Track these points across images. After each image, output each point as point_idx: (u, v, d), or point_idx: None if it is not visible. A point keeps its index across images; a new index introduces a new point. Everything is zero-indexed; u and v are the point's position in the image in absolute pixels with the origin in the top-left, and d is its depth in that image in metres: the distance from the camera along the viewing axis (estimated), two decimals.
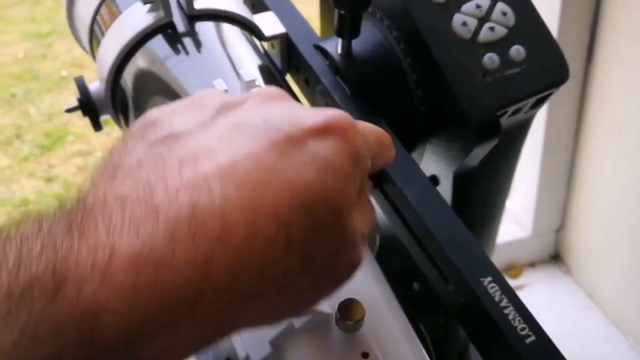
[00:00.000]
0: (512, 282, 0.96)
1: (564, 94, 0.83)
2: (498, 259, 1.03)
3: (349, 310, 0.29)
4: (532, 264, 0.98)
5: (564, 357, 0.31)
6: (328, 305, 0.29)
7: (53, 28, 2.83)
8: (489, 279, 0.33)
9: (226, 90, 0.32)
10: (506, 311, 0.32)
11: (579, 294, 0.93)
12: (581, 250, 0.94)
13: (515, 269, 0.97)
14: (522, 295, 0.97)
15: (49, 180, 2.16)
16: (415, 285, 0.47)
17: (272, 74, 0.40)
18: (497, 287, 0.32)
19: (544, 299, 0.92)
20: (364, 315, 0.29)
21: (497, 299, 0.32)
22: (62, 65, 2.61)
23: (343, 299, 0.29)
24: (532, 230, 0.95)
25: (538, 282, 0.95)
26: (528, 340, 0.31)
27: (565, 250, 0.97)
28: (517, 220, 0.99)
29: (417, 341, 0.32)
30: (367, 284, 0.32)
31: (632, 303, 0.85)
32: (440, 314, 0.46)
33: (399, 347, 0.31)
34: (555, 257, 0.99)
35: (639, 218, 0.81)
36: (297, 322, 0.29)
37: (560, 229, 0.97)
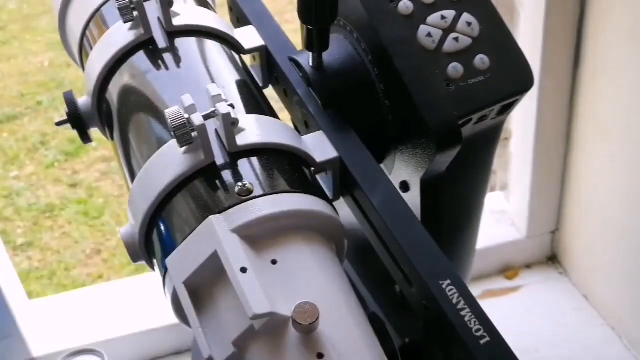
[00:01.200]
0: (508, 284, 0.97)
1: (553, 98, 0.84)
2: (494, 260, 1.04)
3: (303, 313, 0.30)
4: (528, 266, 0.98)
5: (517, 358, 0.32)
6: (286, 308, 0.31)
7: None
8: (448, 282, 0.34)
9: (192, 105, 0.34)
10: (462, 313, 0.33)
11: (574, 294, 0.93)
12: (577, 252, 0.94)
13: (511, 271, 0.97)
14: (518, 296, 0.98)
15: (73, 185, 2.21)
16: (397, 288, 0.48)
17: (248, 88, 0.42)
18: (455, 290, 0.34)
19: (540, 299, 0.92)
20: (317, 317, 0.30)
21: (454, 301, 0.33)
22: None
23: (300, 302, 0.31)
24: (527, 232, 0.96)
25: (534, 283, 0.95)
26: (482, 341, 0.32)
27: (561, 252, 0.97)
28: (512, 222, 1.00)
29: (376, 342, 0.34)
30: (325, 287, 0.33)
31: (627, 304, 0.85)
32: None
33: (356, 348, 0.32)
34: (552, 259, 0.99)
35: (631, 219, 0.80)
36: (257, 324, 0.31)
37: (555, 231, 0.97)
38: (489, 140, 0.43)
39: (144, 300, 0.96)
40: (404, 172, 0.42)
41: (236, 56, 0.45)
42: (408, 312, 0.46)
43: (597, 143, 0.83)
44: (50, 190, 2.21)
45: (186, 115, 0.33)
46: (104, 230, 2.05)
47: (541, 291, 0.94)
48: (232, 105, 0.34)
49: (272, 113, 0.42)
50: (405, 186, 0.42)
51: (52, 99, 2.55)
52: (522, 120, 0.90)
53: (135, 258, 0.37)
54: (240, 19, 0.50)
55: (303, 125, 0.43)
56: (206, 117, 0.34)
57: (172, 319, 0.91)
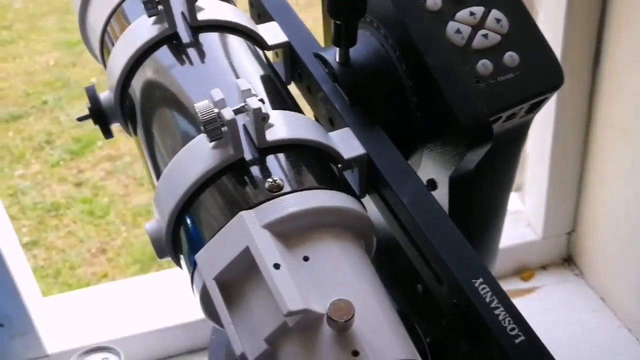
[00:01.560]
0: (523, 285, 0.96)
1: (571, 98, 0.83)
2: (509, 261, 1.03)
3: (339, 310, 0.30)
4: (543, 267, 0.98)
5: (553, 357, 0.32)
6: (320, 305, 0.30)
7: None
8: (480, 280, 0.33)
9: (222, 99, 0.33)
10: (496, 312, 0.33)
11: (591, 296, 0.92)
12: (593, 253, 0.94)
13: (527, 272, 0.97)
14: (533, 297, 0.97)
15: (78, 184, 2.21)
16: (419, 287, 0.47)
17: (273, 83, 0.42)
18: (488, 289, 0.33)
19: (555, 301, 0.92)
20: (353, 315, 0.30)
21: (487, 299, 0.33)
22: (92, 72, 2.67)
23: (334, 298, 0.30)
24: (543, 233, 0.95)
25: (550, 284, 0.95)
26: (517, 340, 0.32)
27: (577, 253, 0.97)
28: (528, 223, 0.99)
29: (409, 340, 0.33)
30: (357, 284, 0.33)
31: None
32: (442, 315, 0.47)
33: (390, 346, 0.31)
34: (567, 260, 0.99)
35: None
36: (291, 320, 0.30)
37: (572, 232, 0.97)
38: (517, 138, 0.43)
39: (158, 299, 0.95)
40: (431, 170, 0.41)
41: (260, 52, 0.45)
42: (427, 311, 0.46)
43: (616, 144, 0.83)
44: (56, 189, 2.21)
45: (216, 110, 0.33)
46: (109, 230, 2.05)
47: (557, 293, 0.93)
48: (262, 100, 0.34)
49: (297, 108, 0.42)
50: (432, 184, 0.42)
51: (58, 98, 2.55)
52: (539, 120, 0.88)
53: (161, 254, 0.37)
54: (261, 15, 0.49)
55: (327, 123, 0.43)
56: (236, 112, 0.33)
57: (186, 317, 0.91)
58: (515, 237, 0.97)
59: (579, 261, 0.97)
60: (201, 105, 0.33)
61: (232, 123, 0.33)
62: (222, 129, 0.33)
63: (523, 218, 1.00)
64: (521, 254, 0.97)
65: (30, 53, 2.86)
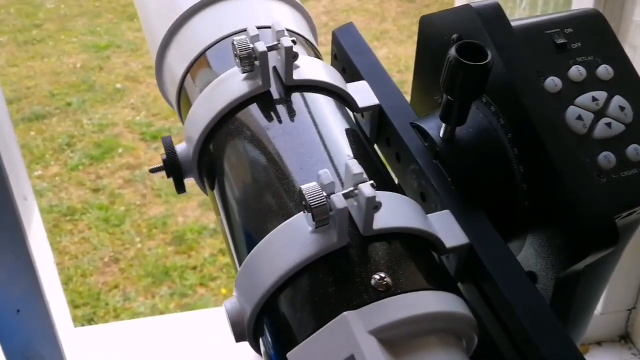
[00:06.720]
0: None
1: None
2: None
3: None
4: (599, 342, 0.94)
5: None
6: None
7: (111, 41, 2.90)
8: None
9: (332, 183, 0.30)
10: None
11: None
12: None
13: (582, 347, 0.93)
14: None
15: (95, 190, 2.19)
16: None
17: (368, 154, 0.38)
18: None
19: None
20: None
21: None
22: (117, 77, 2.66)
23: None
24: (602, 308, 0.92)
25: None
26: None
27: (636, 331, 0.93)
28: None
29: None
30: None
31: None
32: None
33: None
34: (624, 337, 0.95)
35: None
36: None
37: (632, 309, 0.93)
38: (627, 233, 0.40)
39: (190, 338, 0.91)
40: (533, 264, 0.38)
41: (350, 113, 0.42)
42: None
43: None
44: (73, 193, 2.19)
45: (324, 194, 0.30)
46: (123, 239, 2.03)
47: None
48: (373, 185, 0.30)
49: (390, 178, 0.39)
50: (532, 278, 0.38)
51: (82, 101, 2.54)
52: None
53: (239, 338, 0.34)
54: (346, 70, 0.46)
55: (418, 196, 0.40)
56: (345, 196, 0.30)
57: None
58: None
59: (636, 339, 0.93)
60: (309, 188, 0.30)
61: (343, 212, 0.29)
62: (330, 212, 0.30)
63: None
64: None
65: (59, 53, 2.85)
